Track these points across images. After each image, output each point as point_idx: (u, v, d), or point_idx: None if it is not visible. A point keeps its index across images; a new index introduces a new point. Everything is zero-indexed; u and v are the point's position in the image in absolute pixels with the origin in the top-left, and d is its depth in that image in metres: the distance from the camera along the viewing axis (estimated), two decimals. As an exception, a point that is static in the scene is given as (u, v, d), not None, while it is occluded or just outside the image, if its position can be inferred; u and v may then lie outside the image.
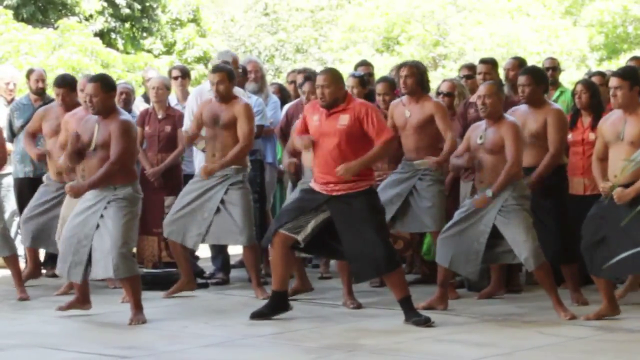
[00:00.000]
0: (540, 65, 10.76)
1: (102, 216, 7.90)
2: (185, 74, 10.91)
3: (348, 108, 7.78)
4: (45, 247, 9.71)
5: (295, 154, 9.01)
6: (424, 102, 8.87)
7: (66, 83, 9.57)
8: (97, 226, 7.90)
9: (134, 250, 10.14)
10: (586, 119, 8.88)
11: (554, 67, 10.96)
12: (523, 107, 8.60)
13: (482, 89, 8.16)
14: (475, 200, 8.11)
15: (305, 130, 7.95)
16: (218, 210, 8.96)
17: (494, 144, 8.05)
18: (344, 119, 7.76)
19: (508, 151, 7.99)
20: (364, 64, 11.32)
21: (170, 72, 10.96)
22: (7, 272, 9.44)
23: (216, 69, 9.04)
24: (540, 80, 8.62)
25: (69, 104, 9.41)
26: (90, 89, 7.95)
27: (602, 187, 7.63)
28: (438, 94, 9.66)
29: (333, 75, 7.86)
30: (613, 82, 7.66)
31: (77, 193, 7.94)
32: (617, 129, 7.60)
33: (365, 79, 9.72)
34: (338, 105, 7.80)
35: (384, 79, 9.65)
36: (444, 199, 8.92)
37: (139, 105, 10.88)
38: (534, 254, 7.93)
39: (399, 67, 9.05)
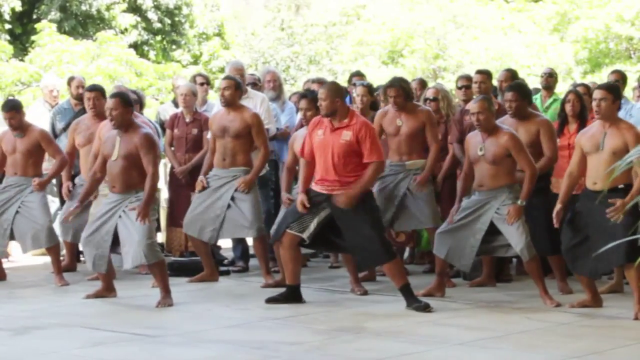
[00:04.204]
0: (537, 76, 10.67)
1: (124, 212, 7.92)
2: (206, 81, 10.93)
3: (351, 125, 7.83)
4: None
5: (293, 170, 8.90)
6: (415, 111, 8.89)
7: (96, 89, 9.60)
8: (120, 217, 7.92)
9: (162, 240, 10.12)
10: (572, 126, 8.84)
11: (550, 74, 10.91)
12: (510, 120, 8.47)
13: (474, 106, 8.06)
14: (512, 207, 7.92)
15: (310, 149, 7.95)
16: (229, 206, 8.98)
17: (495, 156, 8.00)
18: (346, 135, 7.82)
19: (521, 161, 7.96)
20: (358, 74, 11.34)
21: (194, 79, 10.96)
22: (48, 259, 9.45)
23: (226, 77, 9.19)
24: (525, 95, 8.56)
25: (99, 110, 9.34)
26: (111, 103, 8.01)
27: (556, 211, 7.59)
28: (425, 100, 9.63)
29: (329, 90, 7.88)
30: (598, 94, 7.60)
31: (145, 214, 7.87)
32: (596, 140, 7.55)
33: (372, 87, 9.75)
34: (341, 121, 7.84)
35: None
36: (434, 196, 8.98)
37: (169, 110, 10.88)
38: (527, 247, 7.93)
39: (386, 88, 9.03)
